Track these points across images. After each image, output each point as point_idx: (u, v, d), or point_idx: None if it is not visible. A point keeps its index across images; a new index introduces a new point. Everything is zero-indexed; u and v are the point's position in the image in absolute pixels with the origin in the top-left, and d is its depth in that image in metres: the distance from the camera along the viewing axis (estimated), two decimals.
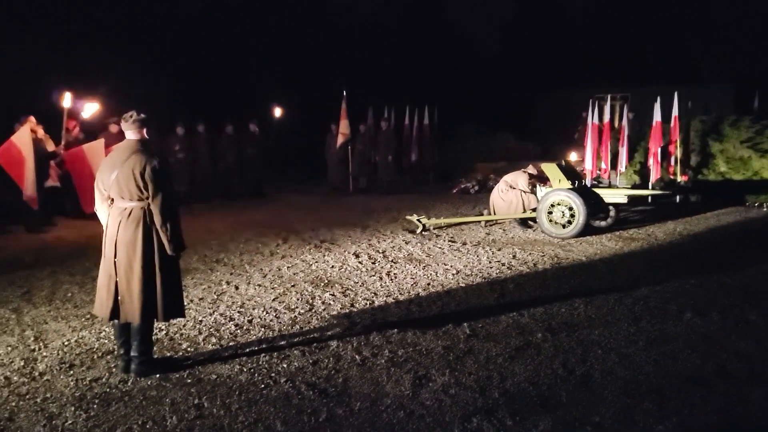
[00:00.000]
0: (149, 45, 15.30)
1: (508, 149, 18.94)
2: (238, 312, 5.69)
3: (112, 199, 4.17)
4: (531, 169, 10.50)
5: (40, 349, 4.81)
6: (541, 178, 10.35)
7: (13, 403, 3.89)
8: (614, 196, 9.87)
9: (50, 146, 10.17)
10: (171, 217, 4.10)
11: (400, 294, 6.27)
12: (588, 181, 13.69)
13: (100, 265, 4.25)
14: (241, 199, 13.52)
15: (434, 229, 9.90)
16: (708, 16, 20.20)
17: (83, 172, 10.50)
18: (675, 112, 13.41)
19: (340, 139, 15.18)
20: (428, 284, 6.63)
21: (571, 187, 9.58)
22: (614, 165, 14.97)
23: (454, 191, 15.24)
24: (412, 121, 17.33)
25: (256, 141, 14.13)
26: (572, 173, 10.14)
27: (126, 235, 4.07)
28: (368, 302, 6.01)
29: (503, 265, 7.49)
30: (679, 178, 13.69)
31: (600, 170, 13.87)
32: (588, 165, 13.81)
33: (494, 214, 10.21)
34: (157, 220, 4.06)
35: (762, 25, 19.30)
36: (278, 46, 18.08)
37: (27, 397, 3.98)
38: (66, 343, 4.93)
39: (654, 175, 13.51)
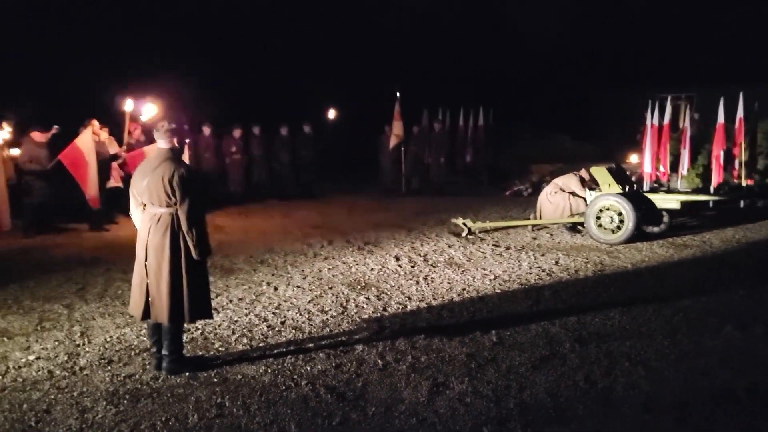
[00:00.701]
0: (206, 49, 15.84)
1: (565, 150, 18.59)
2: (273, 313, 5.86)
3: (145, 205, 4.39)
4: (584, 173, 10.28)
5: (84, 344, 5.11)
6: (594, 182, 10.13)
7: (52, 396, 4.16)
8: (666, 201, 9.54)
9: (113, 148, 10.68)
10: (197, 223, 4.28)
11: (434, 299, 6.30)
12: (646, 185, 13.34)
13: (134, 267, 4.48)
14: (294, 200, 13.81)
15: (480, 232, 9.85)
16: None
17: None
18: (740, 113, 12.82)
19: (394, 141, 15.27)
20: (463, 289, 6.63)
21: (621, 191, 9.34)
22: (677, 168, 14.49)
23: (507, 193, 15.07)
24: (466, 122, 17.28)
25: (310, 142, 14.39)
26: (623, 177, 9.87)
27: (155, 239, 4.28)
28: (401, 306, 6.07)
29: (543, 271, 7.40)
30: (744, 182, 13.13)
31: (659, 173, 13.46)
32: (647, 168, 13.44)
33: (541, 217, 10.07)
34: (184, 225, 4.26)
35: None
36: (333, 47, 18.35)
37: (66, 390, 4.25)
38: (108, 339, 5.21)
39: (716, 178, 12.99)
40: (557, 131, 19.29)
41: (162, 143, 4.45)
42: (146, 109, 9.77)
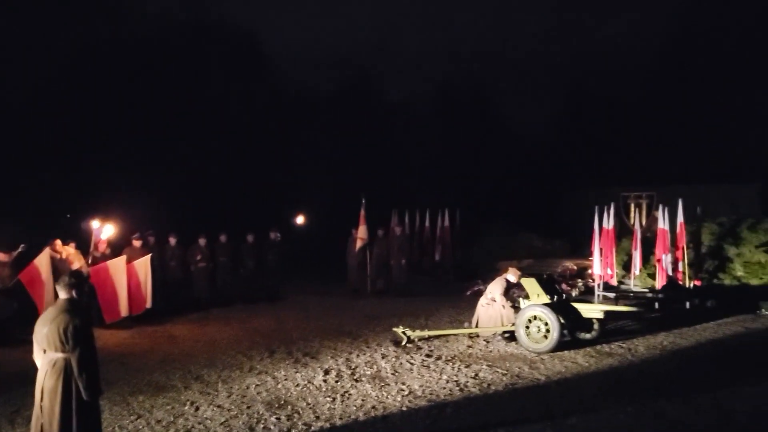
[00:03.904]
0: (174, 162, 16.87)
1: (532, 248, 19.21)
2: None
3: (45, 350, 4.95)
4: (511, 275, 10.71)
5: None
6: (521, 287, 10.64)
7: None
8: (591, 311, 10.02)
9: (78, 263, 11.37)
10: (87, 368, 4.81)
11: (340, 419, 6.70)
12: (597, 287, 13.85)
13: (34, 407, 4.98)
14: (259, 303, 14.31)
15: (419, 340, 10.29)
16: (733, 115, 20.25)
17: (106, 285, 11.72)
18: (680, 218, 13.48)
19: (359, 243, 15.99)
20: (372, 407, 7.03)
21: (548, 302, 9.84)
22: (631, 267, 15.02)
23: (468, 293, 15.55)
24: (434, 223, 18.06)
25: (277, 247, 15.06)
26: (551, 287, 10.37)
27: (50, 382, 4.81)
28: (306, 428, 6.47)
29: (458, 385, 7.80)
30: (689, 283, 13.62)
31: (608, 275, 13.98)
32: (597, 270, 13.98)
33: (477, 326, 10.52)
34: (75, 370, 4.79)
35: None
36: (302, 158, 19.44)
37: None
38: None
39: (660, 280, 13.51)
40: (527, 229, 19.97)
41: (62, 294, 5.05)
42: (105, 228, 10.54)
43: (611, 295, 13.74)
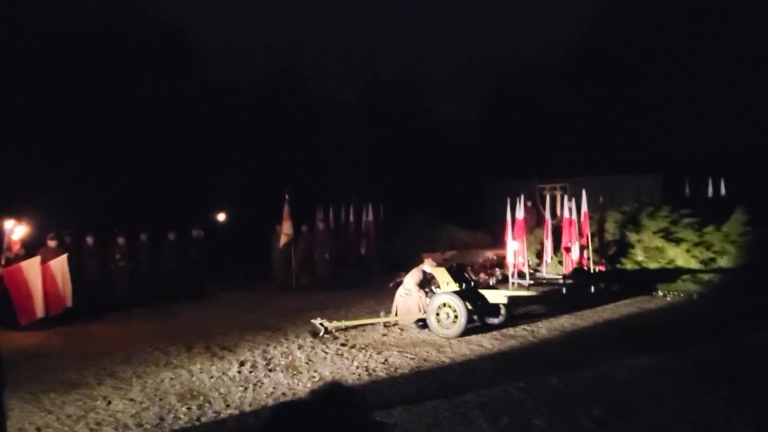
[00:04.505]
0: (90, 162, 16.65)
1: (454, 240, 19.89)
2: (91, 429, 6.43)
3: None
4: (427, 265, 11.21)
5: None
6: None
7: None
8: (496, 297, 10.63)
9: None
10: None
11: (249, 406, 6.99)
12: (511, 275, 14.57)
13: None
14: (182, 301, 14.34)
15: (337, 330, 10.66)
16: (639, 111, 21.54)
17: (20, 287, 11.58)
18: (584, 207, 14.33)
19: (283, 239, 16.19)
20: (282, 394, 7.36)
21: (456, 289, 10.38)
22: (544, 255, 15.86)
23: (391, 285, 15.95)
24: (359, 217, 18.47)
25: (199, 245, 15.11)
26: (460, 276, 10.92)
27: None
28: (216, 415, 6.73)
29: (366, 370, 8.22)
30: (594, 268, 14.52)
31: (520, 263, 14.72)
32: (510, 259, 14.72)
33: (395, 314, 10.98)
34: None
35: (688, 117, 20.58)
36: (225, 154, 19.48)
37: None
38: None
39: (567, 266, 14.36)
40: (450, 222, 20.64)
41: None
42: (17, 229, 10.40)
43: (525, 282, 14.50)
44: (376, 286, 15.93)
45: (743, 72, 21.82)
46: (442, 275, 10.65)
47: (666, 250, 14.65)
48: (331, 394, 2.18)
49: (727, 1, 22.65)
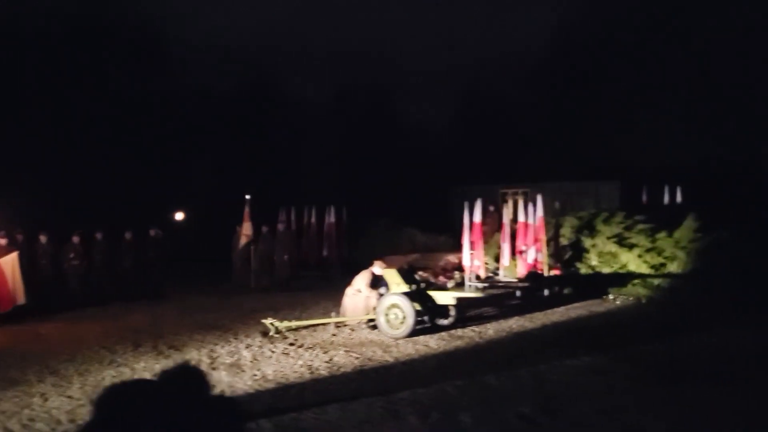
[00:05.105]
0: (45, 160, 16.48)
1: (417, 243, 20.03)
2: (23, 425, 6.39)
3: None
4: (377, 267, 11.32)
5: None
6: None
7: None
8: (444, 298, 10.77)
9: None
10: None
11: None
12: (467, 279, 14.74)
13: None
14: (137, 301, 14.24)
15: (288, 330, 10.69)
16: (599, 119, 21.97)
17: None
18: (540, 212, 14.57)
19: (243, 240, 16.23)
20: (220, 391, 7.38)
21: (406, 291, 10.49)
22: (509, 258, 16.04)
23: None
24: (321, 219, 18.53)
25: (157, 245, 15.03)
26: (411, 277, 11.05)
27: None
28: None
29: (310, 369, 8.28)
30: (549, 272, 14.76)
31: (476, 267, 14.90)
32: (466, 262, 14.89)
33: (344, 315, 11.05)
34: None
35: (650, 126, 21.06)
36: (186, 153, 19.40)
37: None
38: None
39: (521, 270, 14.58)
40: (412, 225, 20.77)
41: None
42: None
43: (481, 285, 14.67)
44: (335, 289, 15.94)
45: (704, 82, 22.38)
46: (392, 277, 10.76)
47: (619, 255, 14.94)
48: (180, 374, 2.26)
49: (692, 14, 23.20)
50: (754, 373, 7.76)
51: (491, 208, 19.57)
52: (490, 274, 16.24)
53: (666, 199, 19.51)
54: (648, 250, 14.71)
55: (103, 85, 18.31)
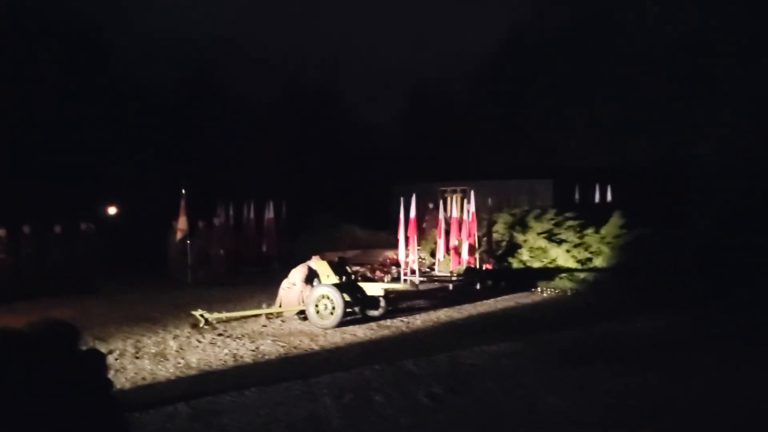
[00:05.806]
0: None
1: (357, 239, 20.27)
2: None
3: None
4: (313, 262, 11.51)
5: None
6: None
7: None
8: (374, 289, 11.02)
9: None
10: None
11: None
12: (402, 273, 15.04)
13: None
14: (69, 296, 13.97)
15: (218, 322, 10.73)
16: (532, 120, 22.67)
17: None
18: (472, 208, 15.00)
19: (179, 234, 16.12)
20: (143, 378, 7.42)
21: (336, 282, 10.69)
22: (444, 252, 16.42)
23: None
24: (260, 215, 18.55)
25: (89, 239, 14.80)
26: (341, 270, 11.25)
27: None
28: None
29: (234, 357, 8.38)
30: (481, 266, 15.20)
31: (411, 261, 15.22)
32: (401, 256, 15.20)
33: (280, 306, 11.17)
34: None
35: (586, 127, 21.84)
36: (120, 146, 19.14)
37: None
38: None
39: (454, 263, 14.97)
40: (352, 222, 21.01)
41: None
42: None
43: (417, 279, 14.99)
44: (272, 283, 15.99)
45: (635, 89, 23.27)
46: (323, 268, 10.95)
47: (549, 250, 15.52)
48: (47, 327, 2.39)
49: (631, 19, 24.05)
50: (646, 354, 8.29)
51: (431, 206, 19.97)
52: (427, 269, 16.63)
53: (597, 198, 20.33)
54: (576, 246, 15.32)
55: (35, 74, 17.89)
